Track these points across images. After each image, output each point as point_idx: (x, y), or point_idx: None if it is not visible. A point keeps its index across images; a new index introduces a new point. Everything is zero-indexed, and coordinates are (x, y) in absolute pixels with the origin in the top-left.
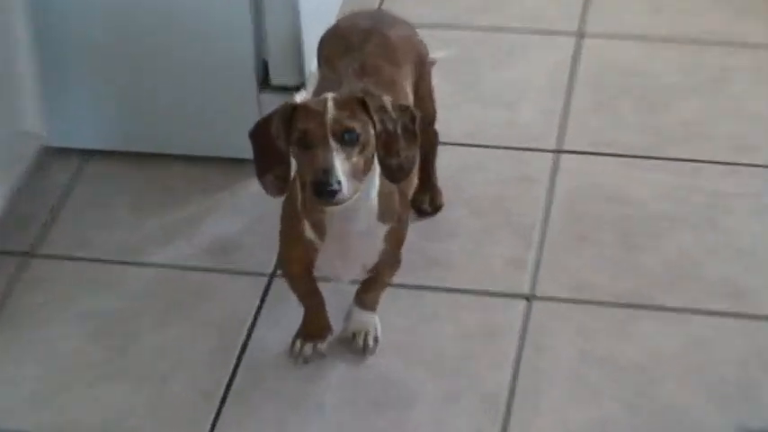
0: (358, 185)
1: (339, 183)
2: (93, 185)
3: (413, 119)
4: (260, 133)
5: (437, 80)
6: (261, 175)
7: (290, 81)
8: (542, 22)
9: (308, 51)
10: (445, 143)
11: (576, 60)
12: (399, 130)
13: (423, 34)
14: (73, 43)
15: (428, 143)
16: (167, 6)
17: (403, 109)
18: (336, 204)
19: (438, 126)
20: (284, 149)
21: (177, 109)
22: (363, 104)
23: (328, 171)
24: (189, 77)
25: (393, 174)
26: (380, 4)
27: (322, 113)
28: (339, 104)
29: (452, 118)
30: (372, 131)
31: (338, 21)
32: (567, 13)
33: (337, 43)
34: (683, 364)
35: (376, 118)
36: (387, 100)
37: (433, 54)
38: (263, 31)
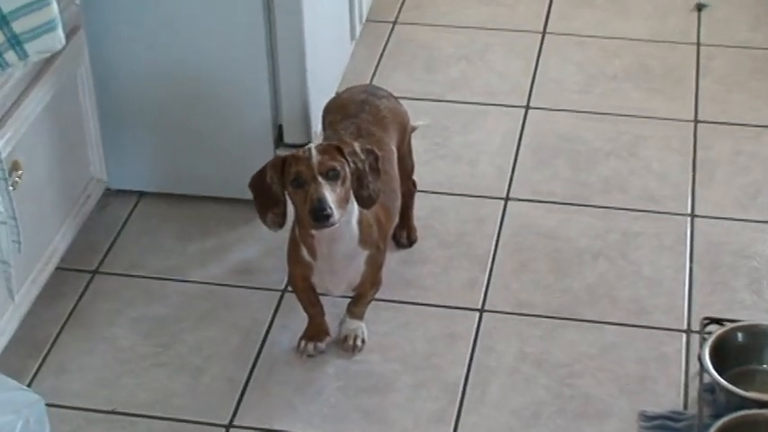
0: (343, 212)
1: (331, 208)
2: (144, 220)
3: (376, 159)
4: (257, 183)
5: (415, 142)
6: (262, 216)
7: (299, 140)
8: (497, 97)
9: (314, 117)
10: (421, 191)
11: (523, 127)
12: (367, 168)
13: (405, 103)
14: (129, 106)
15: (407, 191)
16: (202, 81)
17: (369, 151)
18: (330, 226)
19: (415, 177)
20: (279, 192)
21: (211, 160)
22: (339, 150)
23: (322, 200)
24: (221, 136)
25: (365, 202)
26: (371, 79)
27: (308, 158)
28: (321, 151)
29: (426, 171)
30: (347, 170)
31: (339, 93)
32: (517, 90)
33: (338, 111)
34: (598, 363)
35: (349, 159)
36: (357, 145)
37: (414, 122)
38: (279, 102)
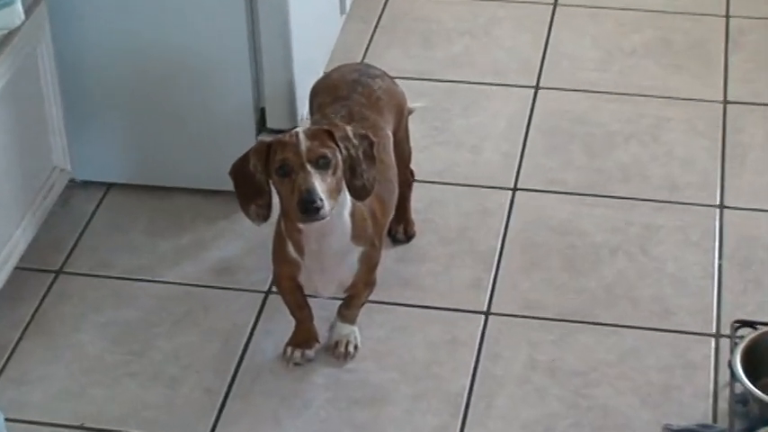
0: (334, 203)
1: (321, 199)
2: (113, 214)
3: (371, 144)
4: (238, 172)
5: (412, 126)
6: (244, 208)
7: (284, 125)
8: (503, 76)
9: (299, 99)
10: (418, 181)
11: (533, 110)
12: (361, 155)
13: (401, 83)
14: (93, 92)
15: (405, 181)
16: (176, 60)
17: (363, 136)
18: (320, 219)
19: (413, 166)
20: (263, 182)
21: (186, 148)
22: (330, 135)
23: (311, 190)
24: (197, 121)
25: (358, 193)
26: (363, 57)
27: (296, 144)
28: (309, 136)
29: (424, 159)
30: (339, 157)
31: (328, 73)
32: (525, 68)
33: (327, 93)
34: (617, 371)
35: (341, 145)
36: (349, 129)
37: (412, 104)
38: (261, 82)
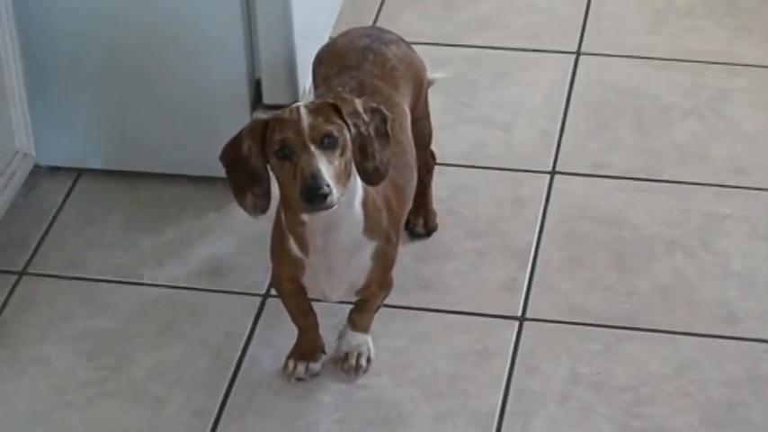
0: (343, 190)
1: (328, 185)
2: (84, 205)
3: (384, 119)
4: (231, 155)
5: (432, 100)
6: (239, 197)
7: (283, 100)
8: (539, 40)
9: (301, 69)
10: (440, 164)
11: (573, 80)
12: (373, 133)
13: (419, 50)
14: (60, 61)
15: (424, 165)
16: (156, 24)
17: (375, 110)
18: (327, 209)
19: (434, 147)
20: (260, 166)
21: (168, 128)
22: (336, 110)
23: (316, 175)
24: (180, 96)
25: (369, 177)
26: (375, 20)
27: (297, 121)
28: (312, 111)
29: (447, 139)
30: (348, 135)
31: (335, 38)
32: (564, 31)
33: (334, 61)
34: (674, 385)
35: (350, 122)
36: (358, 103)
37: (432, 75)
38: (256, 49)
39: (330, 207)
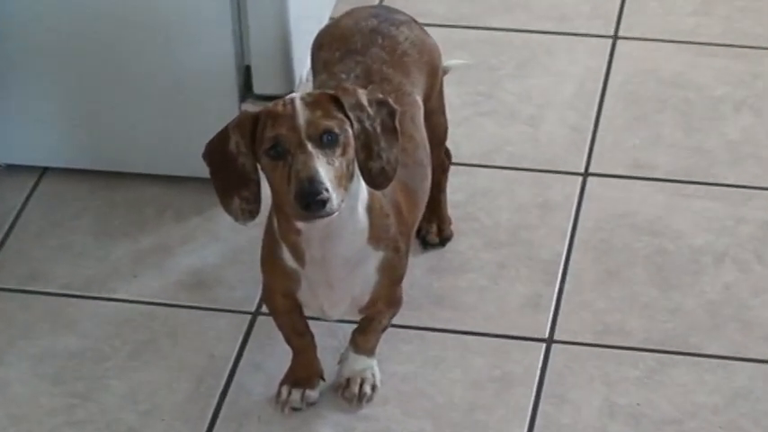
0: (344, 195)
1: (327, 189)
2: (48, 208)
3: (392, 113)
4: (216, 153)
5: (448, 90)
6: (225, 201)
7: (276, 89)
8: (571, 22)
9: (297, 55)
10: (456, 164)
11: (610, 68)
12: (378, 128)
13: (433, 33)
14: (25, 42)
15: (439, 164)
16: (136, 6)
17: (381, 102)
18: (326, 216)
19: (449, 144)
20: (249, 166)
21: (145, 121)
22: (337, 102)
23: (313, 178)
24: (158, 85)
25: (374, 179)
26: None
27: (292, 116)
28: (309, 104)
29: (464, 135)
30: (350, 131)
31: (337, 19)
32: (599, 11)
33: (336, 45)
34: (725, 418)
35: (352, 116)
36: (362, 94)
37: (447, 61)
38: (246, 31)
39: (329, 214)
